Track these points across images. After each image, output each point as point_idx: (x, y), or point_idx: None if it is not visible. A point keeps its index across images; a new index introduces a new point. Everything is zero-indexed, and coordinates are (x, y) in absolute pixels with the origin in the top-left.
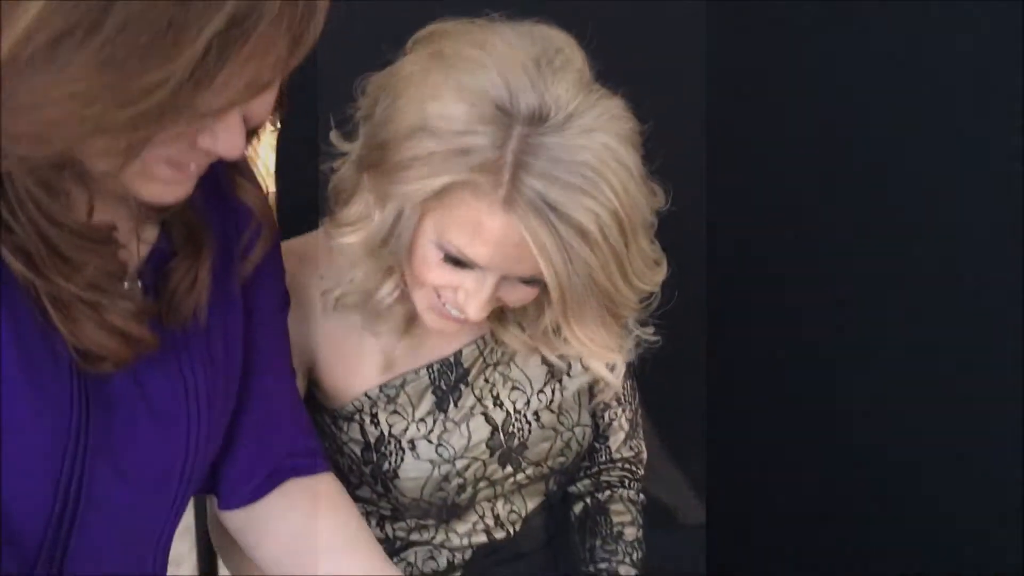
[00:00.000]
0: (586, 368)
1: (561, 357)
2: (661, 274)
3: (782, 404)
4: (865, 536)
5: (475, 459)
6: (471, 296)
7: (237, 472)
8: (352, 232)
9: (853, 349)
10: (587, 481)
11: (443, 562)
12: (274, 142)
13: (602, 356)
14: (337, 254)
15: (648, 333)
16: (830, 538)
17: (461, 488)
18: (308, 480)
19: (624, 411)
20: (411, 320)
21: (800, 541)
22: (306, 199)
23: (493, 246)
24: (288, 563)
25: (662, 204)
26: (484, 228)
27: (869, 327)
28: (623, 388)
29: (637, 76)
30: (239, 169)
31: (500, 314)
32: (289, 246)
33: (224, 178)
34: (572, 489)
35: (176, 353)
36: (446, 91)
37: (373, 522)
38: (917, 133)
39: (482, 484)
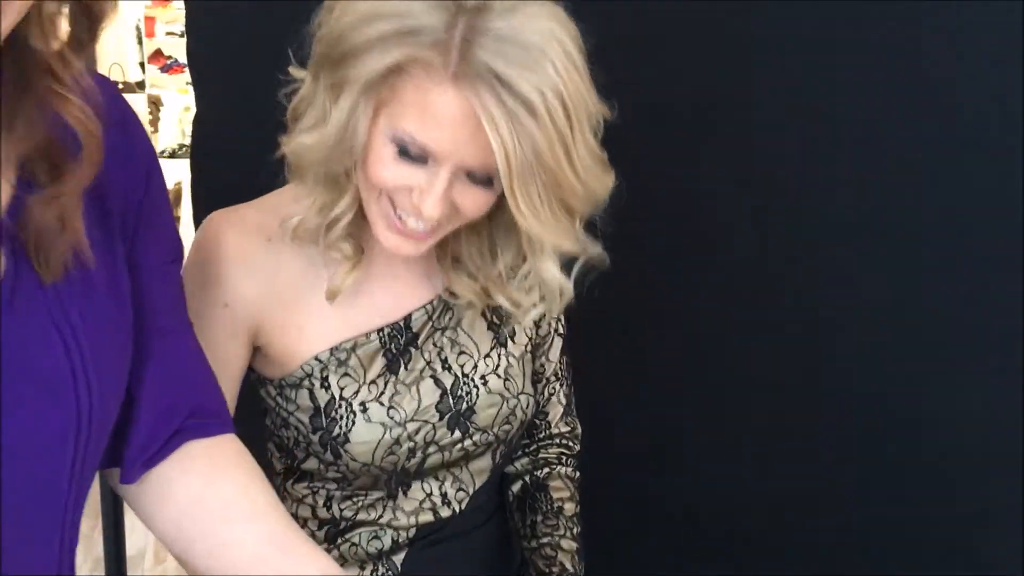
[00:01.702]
0: (534, 305)
1: (514, 303)
2: (610, 180)
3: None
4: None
5: (425, 422)
6: (425, 193)
7: (138, 441)
8: (307, 133)
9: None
10: (525, 460)
11: (388, 542)
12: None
13: (553, 240)
14: (288, 201)
15: (596, 249)
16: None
17: (411, 452)
18: (209, 442)
19: (562, 386)
20: (360, 257)
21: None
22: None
23: (444, 127)
24: (187, 533)
25: (611, 116)
26: (435, 106)
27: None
28: (560, 364)
29: None
30: (59, 80)
31: (454, 263)
32: (238, 212)
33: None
34: (510, 468)
35: (47, 306)
36: None
37: (320, 503)
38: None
39: (432, 449)
